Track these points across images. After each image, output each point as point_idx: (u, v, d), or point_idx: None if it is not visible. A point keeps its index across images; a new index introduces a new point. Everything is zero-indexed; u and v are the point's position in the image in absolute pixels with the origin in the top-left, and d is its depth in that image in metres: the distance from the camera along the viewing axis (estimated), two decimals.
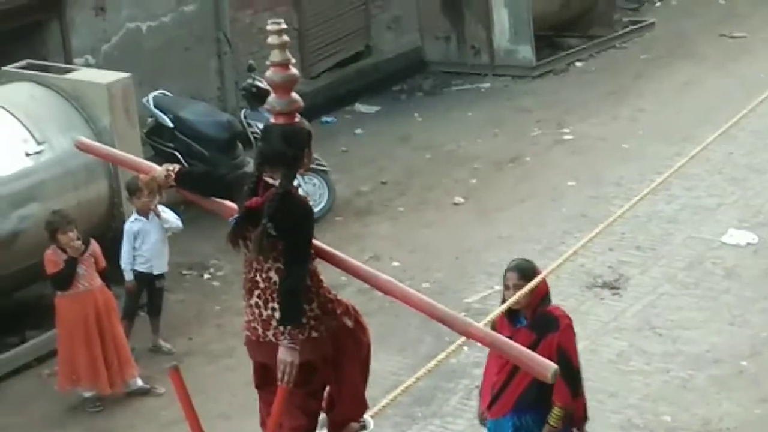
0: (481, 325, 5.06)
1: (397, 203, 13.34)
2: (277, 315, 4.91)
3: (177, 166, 5.32)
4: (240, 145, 13.24)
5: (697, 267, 11.29)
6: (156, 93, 13.31)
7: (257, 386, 5.37)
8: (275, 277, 4.93)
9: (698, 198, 12.66)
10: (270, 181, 4.98)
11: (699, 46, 17.42)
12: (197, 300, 11.52)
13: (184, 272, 11.97)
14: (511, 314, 6.86)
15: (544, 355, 6.36)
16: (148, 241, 10.22)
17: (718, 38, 17.71)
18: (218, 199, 5.33)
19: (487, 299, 10.91)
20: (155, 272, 10.34)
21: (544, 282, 6.73)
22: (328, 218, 12.72)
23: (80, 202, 10.67)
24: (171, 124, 13.07)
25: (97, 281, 9.68)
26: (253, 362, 5.28)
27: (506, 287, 6.91)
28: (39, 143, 10.60)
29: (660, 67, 16.83)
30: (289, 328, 4.83)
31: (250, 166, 12.90)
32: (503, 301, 6.84)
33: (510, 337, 6.44)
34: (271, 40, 5.04)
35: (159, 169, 5.28)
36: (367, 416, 5.39)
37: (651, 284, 11.03)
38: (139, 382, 9.89)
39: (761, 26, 17.95)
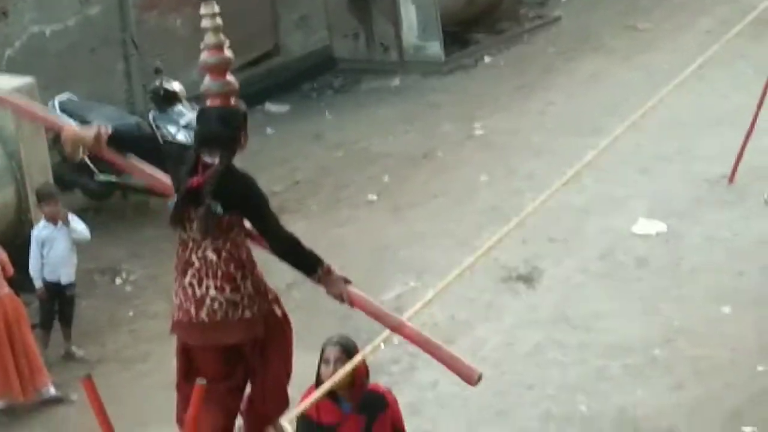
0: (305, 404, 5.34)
1: (310, 202, 13.29)
2: (211, 293, 4.91)
3: (108, 129, 5.17)
4: None
5: (608, 257, 11.40)
6: (62, 97, 13.10)
7: (179, 381, 5.30)
8: (212, 256, 4.97)
9: (608, 189, 12.79)
10: (209, 161, 4.98)
11: (605, 39, 17.61)
12: (109, 306, 11.37)
13: (96, 277, 11.81)
14: (332, 396, 6.09)
15: None
16: (55, 248, 10.06)
17: (623, 30, 17.92)
18: (150, 167, 5.26)
19: (401, 297, 10.91)
20: (63, 281, 10.18)
21: (364, 361, 6.06)
22: None
23: None
24: None
25: (5, 289, 9.52)
26: (178, 354, 5.22)
27: (325, 362, 6.04)
28: None
29: (567, 60, 16.98)
30: (321, 269, 5.04)
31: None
32: (318, 378, 6.00)
33: (339, 424, 6.10)
34: (205, 23, 5.12)
35: (89, 131, 5.11)
36: (284, 422, 5.35)
37: (564, 276, 11.11)
38: (52, 391, 9.73)
39: (666, 17, 18.19)
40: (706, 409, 8.80)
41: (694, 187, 12.73)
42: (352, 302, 5.15)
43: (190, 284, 4.98)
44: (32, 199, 10.46)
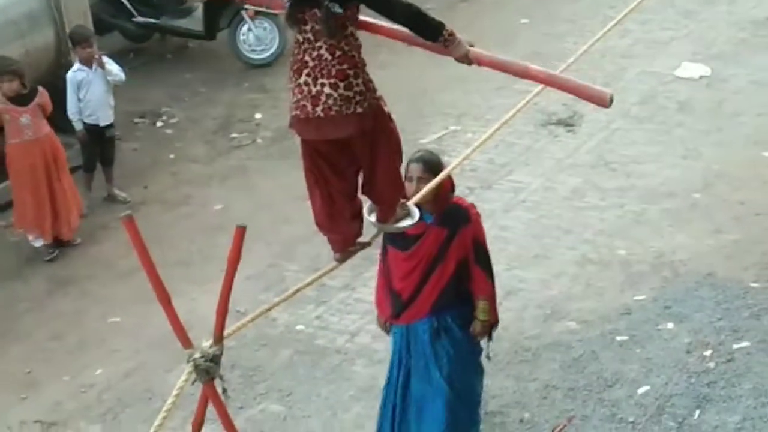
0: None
1: None
2: (326, 90, 4.99)
3: None
4: None
5: (650, 101, 11.31)
6: None
7: (316, 180, 5.31)
8: (326, 55, 5.02)
9: (651, 32, 12.61)
10: None
11: None
12: (151, 148, 11.44)
13: (136, 120, 11.86)
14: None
15: (460, 249, 6.33)
16: (92, 91, 10.08)
17: None
18: None
19: (442, 140, 10.91)
20: (101, 124, 10.23)
21: (448, 176, 6.22)
22: (281, 61, 12.58)
23: (27, 50, 10.47)
24: None
25: (45, 130, 9.58)
26: (305, 152, 5.24)
27: (409, 179, 6.14)
28: None
29: None
30: (445, 32, 5.18)
31: (198, 12, 12.74)
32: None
33: (421, 235, 6.27)
34: None
35: None
36: (410, 203, 5.42)
37: (605, 120, 11.05)
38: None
39: None
40: (745, 253, 8.81)
41: (738, 30, 12.52)
42: (478, 62, 5.27)
43: (306, 83, 5.08)
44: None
